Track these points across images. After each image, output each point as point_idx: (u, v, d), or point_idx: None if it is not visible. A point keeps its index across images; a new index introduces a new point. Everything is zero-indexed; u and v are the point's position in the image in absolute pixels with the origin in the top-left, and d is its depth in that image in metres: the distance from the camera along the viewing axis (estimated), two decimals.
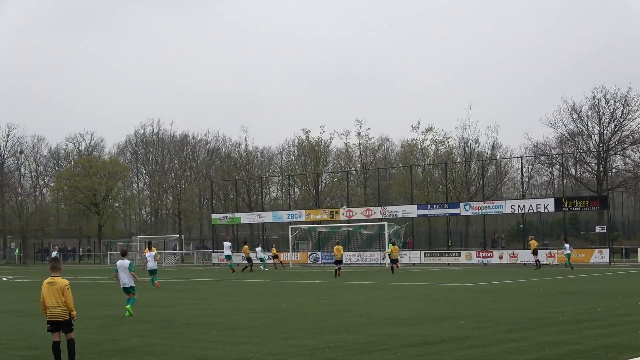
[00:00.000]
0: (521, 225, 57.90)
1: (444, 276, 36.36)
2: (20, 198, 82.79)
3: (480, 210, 52.26)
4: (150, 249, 30.50)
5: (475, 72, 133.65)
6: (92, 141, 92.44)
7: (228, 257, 45.44)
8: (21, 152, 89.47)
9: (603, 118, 61.16)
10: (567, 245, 44.39)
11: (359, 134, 71.52)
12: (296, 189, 76.55)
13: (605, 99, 60.82)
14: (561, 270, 41.10)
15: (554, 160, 66.29)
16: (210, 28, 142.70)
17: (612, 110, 60.82)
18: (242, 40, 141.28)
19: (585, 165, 64.05)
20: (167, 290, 28.59)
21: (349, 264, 51.01)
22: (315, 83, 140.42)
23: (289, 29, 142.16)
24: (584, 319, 15.94)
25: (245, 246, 46.54)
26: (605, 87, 61.83)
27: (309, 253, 57.68)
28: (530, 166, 77.73)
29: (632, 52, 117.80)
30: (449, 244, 56.80)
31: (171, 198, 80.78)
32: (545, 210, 51.24)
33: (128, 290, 18.99)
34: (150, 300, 22.53)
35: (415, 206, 54.93)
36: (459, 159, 67.84)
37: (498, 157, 72.05)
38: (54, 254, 54.35)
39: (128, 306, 18.84)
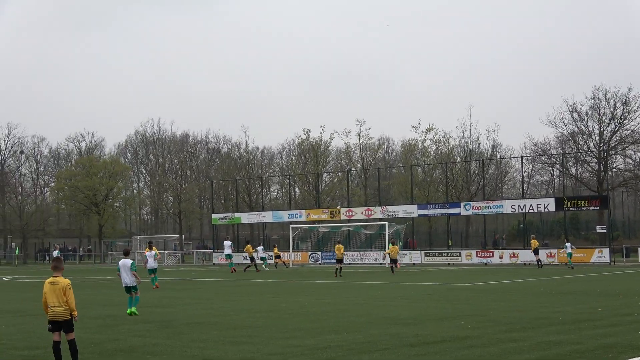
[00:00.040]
0: (521, 225, 57.88)
1: (444, 276, 36.37)
2: (20, 198, 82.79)
3: (480, 210, 52.26)
4: (150, 249, 30.51)
5: (475, 72, 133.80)
6: (93, 141, 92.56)
7: (228, 256, 45.51)
8: (22, 152, 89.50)
9: (603, 118, 61.18)
10: (568, 244, 44.44)
11: (359, 133, 71.61)
12: (296, 189, 76.55)
13: (605, 98, 60.90)
14: (561, 270, 41.10)
15: (555, 160, 66.30)
16: (210, 28, 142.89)
17: (612, 110, 60.86)
18: (242, 40, 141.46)
19: (585, 165, 64.04)
20: (167, 290, 28.60)
21: (349, 264, 51.00)
22: (315, 83, 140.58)
23: (289, 29, 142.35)
24: (584, 319, 15.94)
25: (248, 245, 46.63)
26: (606, 86, 62.00)
27: (310, 253, 57.68)
28: (530, 166, 77.77)
29: (632, 52, 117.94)
30: (450, 244, 56.79)
31: (171, 198, 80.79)
32: (546, 210, 51.23)
33: (130, 289, 19.00)
34: (151, 300, 22.54)
35: (416, 206, 54.93)
36: (459, 159, 67.84)
37: (498, 156, 72.07)
38: (56, 253, 54.37)
39: (132, 309, 18.84)
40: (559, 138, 67.23)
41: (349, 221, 57.09)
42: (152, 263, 29.78)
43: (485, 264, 49.55)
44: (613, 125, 61.06)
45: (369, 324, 15.87)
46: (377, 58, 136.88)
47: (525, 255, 47.85)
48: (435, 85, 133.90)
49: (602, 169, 61.17)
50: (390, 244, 40.45)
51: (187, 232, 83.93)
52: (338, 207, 59.25)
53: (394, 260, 39.08)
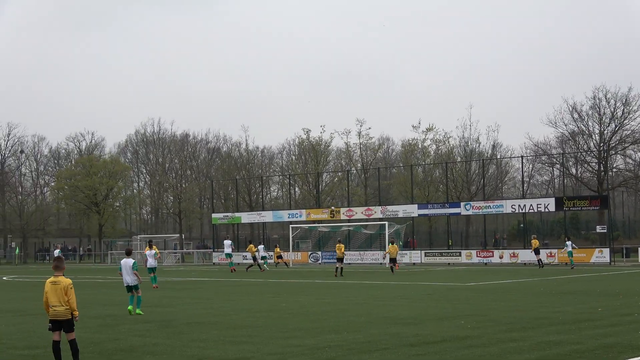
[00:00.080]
0: (522, 225, 57.88)
1: (444, 276, 36.37)
2: (20, 197, 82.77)
3: (480, 210, 52.25)
4: (150, 248, 30.51)
5: (475, 72, 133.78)
6: (93, 141, 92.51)
7: (228, 256, 45.62)
8: (22, 152, 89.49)
9: (604, 118, 61.16)
10: (568, 243, 44.45)
11: (359, 133, 71.59)
12: (297, 189, 76.55)
13: (605, 98, 60.88)
14: (561, 270, 41.10)
15: (555, 160, 66.28)
16: (210, 28, 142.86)
17: (612, 109, 60.84)
18: (242, 40, 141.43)
19: (585, 165, 64.03)
20: (167, 289, 28.60)
21: (349, 264, 51.00)
22: (315, 83, 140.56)
23: (289, 29, 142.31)
24: (584, 319, 15.94)
25: (251, 245, 46.68)
26: (606, 86, 61.88)
27: (310, 252, 57.68)
28: (530, 166, 77.73)
29: (632, 52, 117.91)
30: (450, 244, 56.77)
31: (172, 197, 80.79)
32: (546, 210, 51.23)
33: (131, 288, 19.02)
34: (151, 300, 22.54)
35: (416, 206, 54.93)
36: (459, 159, 67.83)
37: (498, 156, 72.06)
38: (57, 252, 54.36)
39: (130, 307, 18.88)
40: (559, 138, 67.27)
41: (349, 221, 57.09)
42: (152, 262, 29.79)
43: (485, 263, 49.54)
44: (613, 125, 61.07)
45: (369, 323, 15.87)
46: (377, 58, 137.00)
47: (526, 255, 47.85)
48: (435, 85, 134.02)
49: (602, 168, 61.15)
50: (390, 244, 40.53)
51: (187, 231, 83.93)
52: (332, 207, 59.18)
53: (393, 260, 39.18)
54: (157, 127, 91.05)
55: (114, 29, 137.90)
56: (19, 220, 77.46)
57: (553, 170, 74.48)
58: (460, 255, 51.86)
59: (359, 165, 74.21)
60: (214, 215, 64.83)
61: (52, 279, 10.96)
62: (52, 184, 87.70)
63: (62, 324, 10.89)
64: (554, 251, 48.52)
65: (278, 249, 52.93)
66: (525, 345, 12.39)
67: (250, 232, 79.43)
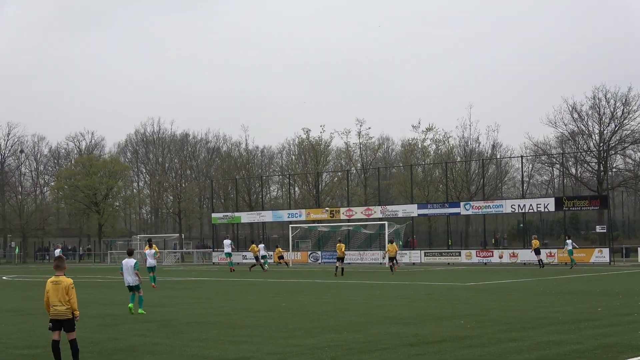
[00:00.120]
0: (521, 225, 57.90)
1: (444, 275, 36.38)
2: (20, 197, 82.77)
3: (480, 210, 52.26)
4: (150, 247, 30.49)
5: (475, 72, 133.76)
6: (93, 140, 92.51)
7: (228, 255, 45.69)
8: (21, 151, 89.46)
9: (603, 117, 61.16)
10: (569, 241, 44.49)
11: (359, 133, 71.62)
12: (296, 188, 76.56)
13: (605, 98, 60.87)
14: (561, 269, 41.12)
15: (554, 160, 66.28)
16: (210, 28, 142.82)
17: (612, 109, 60.84)
18: (242, 40, 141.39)
19: (585, 165, 64.04)
20: (167, 289, 28.60)
21: (349, 263, 51.00)
22: (315, 83, 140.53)
23: (289, 29, 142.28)
24: (584, 319, 15.95)
25: (253, 245, 46.69)
26: (606, 86, 61.87)
27: (309, 252, 57.70)
28: (530, 166, 77.75)
29: (632, 52, 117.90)
30: (449, 244, 56.79)
31: (171, 197, 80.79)
32: (546, 210, 51.24)
33: (132, 288, 19.04)
34: (151, 300, 22.53)
35: (416, 205, 54.93)
36: (459, 159, 67.84)
37: (498, 156, 72.08)
38: (57, 252, 54.35)
39: (131, 305, 18.91)
40: (559, 138, 67.29)
41: (348, 221, 57.09)
42: (151, 261, 29.77)
43: (485, 263, 49.55)
44: (613, 125, 61.07)
45: (369, 323, 15.88)
46: (377, 58, 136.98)
47: (525, 255, 47.87)
48: (435, 85, 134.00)
49: (602, 168, 61.16)
50: (389, 243, 40.62)
51: (186, 231, 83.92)
52: (327, 209, 59.22)
53: (392, 259, 39.31)
54: (156, 127, 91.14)
55: (114, 29, 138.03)
56: (18, 219, 77.47)
57: (553, 170, 74.50)
58: (460, 255, 51.86)
59: (359, 165, 74.23)
60: (213, 215, 64.84)
61: (53, 278, 10.97)
62: (52, 183, 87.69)
63: (63, 324, 10.91)
64: (554, 251, 48.56)
65: (280, 249, 52.89)
66: (525, 345, 12.40)
67: (250, 231, 79.42)
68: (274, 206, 74.89)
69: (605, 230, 51.40)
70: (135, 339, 14.15)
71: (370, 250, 55.64)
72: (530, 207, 50.30)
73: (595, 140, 62.15)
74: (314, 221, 58.37)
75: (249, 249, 47.46)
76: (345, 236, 56.61)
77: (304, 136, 73.27)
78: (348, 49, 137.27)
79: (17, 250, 71.61)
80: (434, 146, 68.63)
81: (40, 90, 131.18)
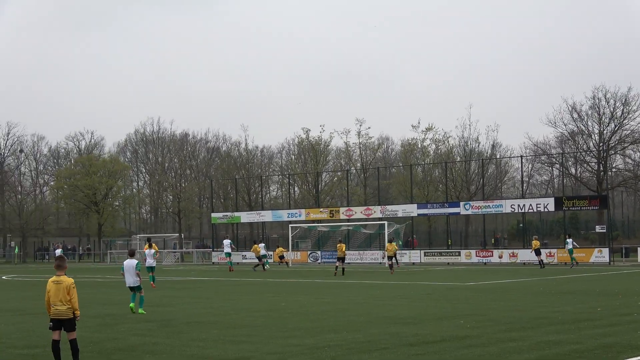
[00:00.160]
0: (521, 225, 57.90)
1: (443, 275, 36.38)
2: (20, 197, 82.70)
3: (480, 210, 52.27)
4: (150, 247, 30.49)
5: (475, 72, 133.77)
6: (92, 140, 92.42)
7: (228, 255, 45.76)
8: (21, 151, 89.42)
9: (603, 117, 61.15)
10: (569, 240, 44.51)
11: (359, 133, 71.60)
12: (296, 188, 76.55)
13: (605, 98, 60.85)
14: (561, 269, 41.12)
15: (554, 160, 66.29)
16: (210, 28, 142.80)
17: (612, 109, 60.82)
18: (242, 40, 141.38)
19: (585, 165, 64.04)
20: (167, 289, 28.60)
21: (348, 263, 50.99)
22: (315, 83, 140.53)
23: (289, 29, 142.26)
24: (583, 319, 15.95)
25: (255, 245, 46.67)
26: (606, 86, 61.87)
27: (309, 252, 57.70)
28: (530, 165, 77.76)
29: (632, 52, 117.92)
30: (449, 243, 56.79)
31: (171, 197, 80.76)
32: (545, 210, 51.25)
33: (133, 288, 19.05)
34: (151, 299, 22.52)
35: (415, 205, 54.93)
36: (459, 158, 67.83)
37: (498, 156, 72.08)
38: (58, 252, 54.34)
39: (132, 304, 18.92)
40: (558, 138, 67.29)
41: (348, 220, 57.09)
42: (150, 261, 29.76)
43: (485, 263, 49.55)
44: (613, 125, 61.05)
45: (369, 323, 15.88)
46: (377, 58, 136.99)
47: (525, 255, 47.88)
48: (435, 85, 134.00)
49: (601, 168, 61.17)
50: (388, 242, 40.67)
51: (186, 231, 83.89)
52: (321, 209, 59.24)
53: (390, 258, 39.41)
54: (156, 127, 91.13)
55: (114, 29, 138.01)
56: (18, 219, 77.43)
57: (552, 170, 74.52)
58: (459, 255, 51.86)
59: (359, 164, 74.22)
60: (213, 215, 64.83)
61: (54, 278, 10.97)
62: (52, 183, 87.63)
63: (64, 323, 10.92)
64: (554, 251, 48.58)
65: (281, 248, 52.88)
66: (525, 345, 12.40)
67: (250, 231, 79.42)
68: (273, 206, 74.90)
69: (604, 230, 51.41)
70: (135, 339, 14.15)
71: (370, 250, 55.63)
72: (530, 207, 50.31)
73: (595, 140, 62.16)
74: (313, 221, 58.37)
75: (252, 250, 47.45)
76: (345, 236, 56.61)
77: (304, 136, 73.36)
78: (348, 49, 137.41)
79: (16, 250, 71.58)
80: (433, 146, 68.69)
81: (40, 90, 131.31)
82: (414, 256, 52.71)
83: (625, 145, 62.37)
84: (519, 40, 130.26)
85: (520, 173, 62.22)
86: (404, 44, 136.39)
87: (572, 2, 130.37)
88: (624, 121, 60.62)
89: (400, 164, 72.94)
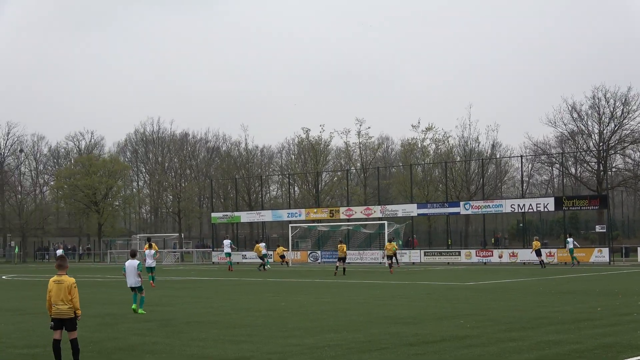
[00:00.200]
0: (521, 225, 57.90)
1: (443, 275, 36.38)
2: (20, 196, 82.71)
3: (480, 210, 52.27)
4: (150, 247, 30.47)
5: (475, 72, 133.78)
6: (92, 140, 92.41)
7: (228, 255, 45.82)
8: (21, 151, 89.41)
9: (603, 117, 61.14)
10: (570, 240, 44.49)
11: (359, 133, 71.61)
12: (296, 188, 76.56)
13: (605, 98, 60.85)
14: (561, 269, 41.12)
15: (554, 160, 66.30)
16: (210, 28, 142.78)
17: (612, 109, 60.82)
18: (242, 40, 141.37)
19: (585, 165, 64.04)
20: (167, 288, 28.60)
21: (348, 263, 50.97)
22: (315, 83, 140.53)
23: (289, 29, 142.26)
24: (583, 318, 15.95)
25: (258, 245, 46.65)
26: (606, 86, 61.86)
27: (309, 252, 57.71)
28: (530, 165, 77.76)
29: (632, 52, 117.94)
30: (449, 243, 56.81)
31: (171, 197, 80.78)
32: (545, 210, 51.25)
33: (134, 289, 19.07)
34: (151, 299, 22.52)
35: (415, 205, 54.92)
36: (459, 158, 67.83)
37: (498, 156, 72.08)
38: (59, 252, 54.35)
39: (134, 306, 18.92)
40: (558, 137, 67.30)
41: (348, 220, 57.09)
42: (150, 262, 29.74)
43: (485, 263, 49.55)
44: (613, 125, 61.05)
45: (369, 323, 15.88)
46: (377, 58, 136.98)
47: (525, 255, 47.89)
48: (435, 85, 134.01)
49: (601, 168, 61.17)
50: (387, 242, 40.69)
51: (186, 231, 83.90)
52: (320, 209, 59.27)
53: (390, 258, 39.45)
54: (156, 126, 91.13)
55: (114, 29, 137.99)
56: (18, 219, 77.44)
57: (552, 169, 74.54)
58: (459, 254, 51.86)
59: (359, 164, 74.20)
60: (213, 215, 64.84)
61: (55, 277, 10.98)
62: (52, 183, 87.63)
63: (65, 323, 10.93)
64: (554, 251, 48.58)
65: (282, 248, 52.84)
66: (525, 345, 12.39)
67: (250, 231, 79.45)
68: (273, 206, 74.91)
69: (604, 230, 51.42)
70: (135, 338, 14.14)
71: (370, 250, 55.63)
72: (530, 207, 50.31)
73: (595, 140, 62.16)
74: (313, 221, 58.38)
75: (254, 249, 47.42)
76: (345, 236, 56.62)
77: (304, 136, 73.37)
78: (348, 49, 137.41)
79: (16, 249, 71.58)
80: (433, 146, 68.70)
81: (40, 90, 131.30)
82: (414, 256, 52.70)
83: (625, 145, 62.37)
84: (519, 40, 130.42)
85: (520, 173, 62.27)
86: (404, 44, 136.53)
87: (572, 2, 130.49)
88: (624, 121, 60.65)
89: (400, 164, 72.94)
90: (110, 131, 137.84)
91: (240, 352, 12.22)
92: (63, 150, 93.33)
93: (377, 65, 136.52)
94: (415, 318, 16.62)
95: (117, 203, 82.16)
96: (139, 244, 57.64)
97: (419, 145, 68.92)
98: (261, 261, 45.47)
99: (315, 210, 59.82)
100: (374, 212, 56.15)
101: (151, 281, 28.81)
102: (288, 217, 60.25)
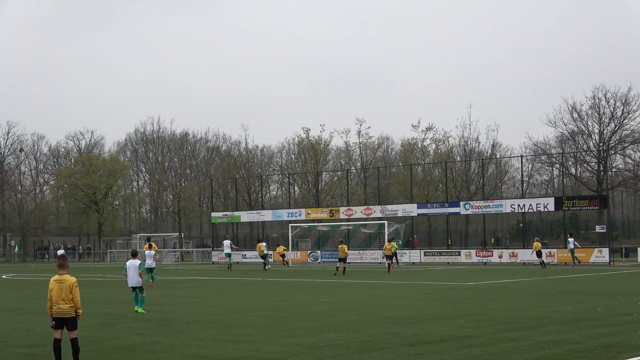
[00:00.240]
0: (521, 225, 57.89)
1: (443, 275, 36.37)
2: (20, 196, 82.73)
3: (480, 210, 52.26)
4: (150, 247, 30.45)
5: (475, 72, 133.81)
6: (92, 139, 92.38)
7: (228, 256, 45.87)
8: (21, 150, 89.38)
9: (603, 117, 61.14)
10: (571, 240, 44.44)
11: (359, 132, 71.57)
12: (296, 188, 76.55)
13: (605, 98, 60.84)
14: (561, 269, 41.11)
15: (554, 160, 66.29)
16: (210, 28, 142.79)
17: (612, 109, 60.82)
18: (242, 40, 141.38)
19: (585, 165, 64.03)
20: (166, 288, 28.60)
21: (348, 263, 50.95)
22: (315, 83, 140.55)
23: (289, 29, 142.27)
24: (583, 319, 15.95)
25: (259, 244, 46.64)
26: (606, 86, 61.83)
27: (309, 252, 57.70)
28: (530, 165, 77.77)
29: (632, 52, 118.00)
30: (449, 243, 56.79)
31: (171, 196, 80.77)
32: (545, 210, 51.23)
33: (135, 289, 19.07)
34: (150, 299, 22.51)
35: (415, 205, 54.91)
36: (459, 158, 67.82)
37: (498, 156, 72.07)
38: (60, 251, 54.33)
39: (137, 308, 18.94)
40: (558, 138, 67.30)
41: (348, 220, 57.08)
42: (150, 262, 29.74)
43: (485, 263, 49.54)
44: (613, 125, 61.05)
45: (369, 323, 15.87)
46: (377, 58, 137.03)
47: (525, 255, 47.88)
48: (435, 85, 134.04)
49: (601, 168, 61.16)
50: (387, 242, 40.70)
51: (186, 230, 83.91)
52: (321, 209, 59.28)
53: (389, 258, 39.41)
54: (156, 126, 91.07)
55: (114, 29, 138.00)
56: (18, 218, 77.45)
57: (552, 170, 74.51)
58: (459, 254, 51.84)
59: (359, 164, 74.19)
60: (213, 214, 64.83)
61: (56, 277, 10.99)
62: (52, 182, 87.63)
63: (66, 322, 10.94)
64: (554, 251, 48.56)
65: (282, 247, 52.83)
66: (525, 345, 12.39)
67: (250, 231, 79.45)
68: (273, 205, 74.90)
69: (604, 230, 51.40)
70: (135, 338, 14.14)
71: (370, 249, 55.61)
72: (530, 207, 50.30)
73: (595, 140, 62.15)
74: (313, 220, 58.38)
75: (257, 249, 47.41)
76: (345, 236, 56.61)
77: (304, 135, 73.35)
78: (348, 49, 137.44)
79: (16, 249, 71.57)
80: (433, 146, 68.69)
81: (40, 90, 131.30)
82: (414, 256, 52.69)
83: (625, 145, 62.36)
84: (519, 40, 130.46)
85: (520, 173, 62.26)
86: (404, 44, 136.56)
87: (572, 2, 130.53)
88: (624, 121, 60.65)
89: (400, 164, 72.94)
90: (110, 131, 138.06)
91: (240, 352, 12.22)
92: (63, 149, 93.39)
93: (377, 65, 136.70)
94: (415, 318, 16.62)
95: (117, 202, 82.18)
96: (139, 244, 57.64)
97: (419, 145, 68.93)
98: (263, 260, 45.47)
99: (315, 210, 59.83)
100: (374, 212, 56.14)
101: (150, 280, 28.80)
102: (288, 216, 60.25)
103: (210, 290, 27.60)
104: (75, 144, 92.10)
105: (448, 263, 50.79)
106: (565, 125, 63.03)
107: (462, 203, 53.23)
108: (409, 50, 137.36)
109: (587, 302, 19.77)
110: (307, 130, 72.81)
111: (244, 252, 59.14)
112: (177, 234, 74.61)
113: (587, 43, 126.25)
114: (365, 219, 56.71)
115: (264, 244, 46.91)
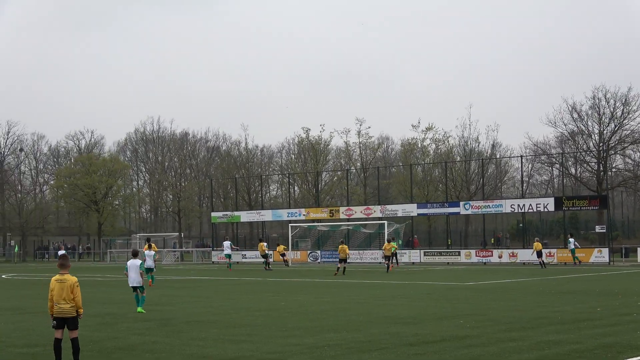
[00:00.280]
0: (521, 225, 57.89)
1: (443, 275, 36.37)
2: (20, 195, 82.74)
3: (480, 210, 52.26)
4: (150, 248, 30.44)
5: (475, 72, 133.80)
6: (92, 139, 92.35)
7: (228, 256, 45.87)
8: (21, 150, 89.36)
9: (603, 117, 61.15)
10: (571, 240, 44.44)
11: (359, 132, 71.54)
12: (296, 188, 76.55)
13: (605, 98, 60.86)
14: (561, 269, 41.11)
15: (554, 160, 66.31)
16: (210, 28, 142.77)
17: (612, 109, 60.83)
18: (242, 40, 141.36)
19: (585, 165, 64.04)
20: (166, 288, 28.60)
21: (348, 262, 50.95)
22: (315, 83, 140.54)
23: (289, 29, 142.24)
24: (583, 319, 15.95)
25: (261, 243, 46.61)
26: (606, 86, 61.87)
27: (309, 251, 57.69)
28: (530, 165, 77.78)
29: (632, 52, 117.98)
30: (449, 243, 56.79)
31: (171, 196, 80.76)
32: (545, 210, 51.24)
33: (136, 289, 19.08)
34: (150, 299, 22.51)
35: (415, 205, 54.91)
36: (459, 158, 67.81)
37: (498, 156, 72.07)
38: (61, 252, 54.31)
39: (139, 308, 18.94)
40: (558, 138, 67.33)
41: (348, 220, 57.08)
42: (149, 263, 29.73)
43: (485, 263, 49.54)
44: (613, 125, 61.07)
45: (369, 322, 15.87)
46: (377, 58, 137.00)
47: (525, 255, 47.87)
48: (435, 85, 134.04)
49: (601, 168, 61.18)
50: (386, 242, 40.74)
51: (186, 230, 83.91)
52: (320, 209, 59.24)
53: (388, 258, 39.44)
54: (156, 126, 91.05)
55: (114, 29, 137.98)
56: (18, 218, 77.46)
57: (552, 170, 74.54)
58: (459, 254, 51.84)
59: (359, 164, 74.18)
60: (213, 214, 64.82)
61: (57, 276, 11.00)
62: (52, 182, 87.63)
63: (67, 322, 10.95)
64: (553, 251, 48.57)
65: (282, 246, 52.81)
66: (525, 345, 12.39)
67: (250, 230, 79.44)
68: (273, 205, 74.89)
69: (604, 230, 51.41)
70: (135, 338, 14.14)
71: (370, 249, 55.61)
72: (530, 207, 50.30)
73: (595, 140, 62.17)
74: (313, 220, 58.38)
75: (258, 248, 47.41)
76: (345, 235, 56.61)
77: (304, 135, 73.33)
78: (348, 49, 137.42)
79: (16, 248, 71.57)
80: (433, 146, 68.66)
81: (40, 90, 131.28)
82: (413, 256, 52.69)
83: (625, 145, 62.38)
84: (519, 40, 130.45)
85: (520, 173, 62.26)
86: (404, 44, 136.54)
87: (572, 2, 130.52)
88: (624, 121, 60.67)
89: (400, 164, 72.93)
90: (110, 130, 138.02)
91: (240, 352, 12.22)
92: (63, 149, 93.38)
93: (377, 65, 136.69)
94: (415, 318, 16.62)
95: (117, 202, 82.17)
96: (139, 244, 57.63)
97: (419, 145, 68.92)
98: (265, 259, 45.47)
99: (315, 210, 59.82)
100: (374, 212, 56.14)
101: (150, 280, 28.80)
102: (288, 216, 60.25)
103: (210, 290, 27.60)
104: (75, 143, 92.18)
105: (448, 263, 50.79)
106: (565, 125, 63.14)
107: (462, 203, 53.23)
108: (409, 50, 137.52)
109: (587, 302, 19.77)
110: (307, 130, 72.89)
111: (244, 252, 59.13)
112: (177, 233, 74.61)
113: (587, 43, 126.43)
114: (365, 219, 56.71)
115: (266, 243, 46.91)
